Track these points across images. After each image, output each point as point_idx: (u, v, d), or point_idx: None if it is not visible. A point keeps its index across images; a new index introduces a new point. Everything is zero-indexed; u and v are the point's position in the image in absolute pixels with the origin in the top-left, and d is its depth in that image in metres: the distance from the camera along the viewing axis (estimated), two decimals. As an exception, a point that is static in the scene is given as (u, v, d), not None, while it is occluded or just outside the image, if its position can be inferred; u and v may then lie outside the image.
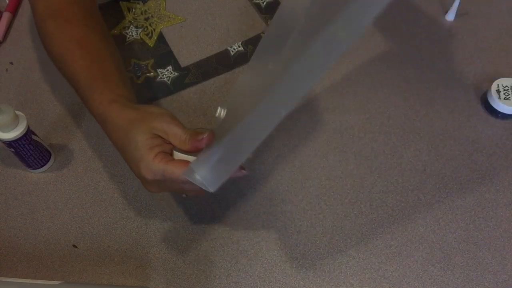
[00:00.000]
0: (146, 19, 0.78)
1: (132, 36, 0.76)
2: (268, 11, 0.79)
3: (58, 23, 0.59)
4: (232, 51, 0.75)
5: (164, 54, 0.74)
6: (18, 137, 0.58)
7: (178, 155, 0.50)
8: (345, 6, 0.41)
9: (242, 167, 0.51)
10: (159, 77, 0.72)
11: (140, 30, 0.77)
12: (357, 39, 0.43)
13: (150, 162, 0.48)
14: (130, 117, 0.51)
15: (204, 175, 0.46)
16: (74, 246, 0.60)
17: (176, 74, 0.73)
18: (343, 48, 0.42)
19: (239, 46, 0.75)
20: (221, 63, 0.74)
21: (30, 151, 0.61)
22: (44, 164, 0.64)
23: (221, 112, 0.55)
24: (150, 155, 0.48)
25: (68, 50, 0.58)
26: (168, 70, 0.73)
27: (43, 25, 0.60)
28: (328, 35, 0.42)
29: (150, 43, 0.76)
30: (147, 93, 0.71)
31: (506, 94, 0.67)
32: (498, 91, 0.67)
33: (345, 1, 0.42)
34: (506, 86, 0.67)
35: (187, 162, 0.48)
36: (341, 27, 0.41)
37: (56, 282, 0.54)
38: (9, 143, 0.59)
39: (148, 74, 0.73)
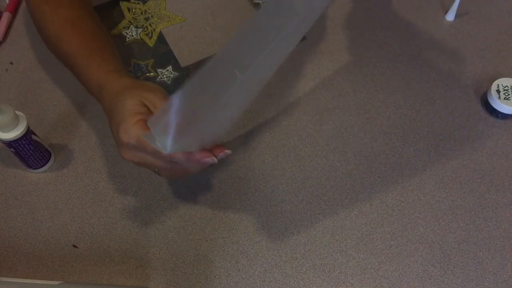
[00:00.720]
0: (146, 19, 0.78)
1: (132, 36, 0.76)
2: (268, 11, 0.79)
3: (53, 6, 0.63)
4: (232, 51, 0.75)
5: (164, 54, 0.74)
6: (18, 137, 0.58)
7: None
8: None
9: (222, 147, 0.52)
10: (159, 77, 0.72)
11: (140, 30, 0.77)
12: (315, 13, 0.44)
13: (129, 126, 0.49)
14: (125, 84, 0.54)
15: (158, 133, 0.46)
16: (74, 246, 0.60)
17: (176, 74, 0.73)
18: (293, 10, 0.44)
19: (239, 46, 0.75)
20: (221, 63, 0.73)
21: (30, 151, 0.61)
22: (44, 164, 0.64)
23: None
24: (132, 119, 0.49)
25: (64, 29, 0.61)
26: (168, 70, 0.73)
27: (38, 10, 0.63)
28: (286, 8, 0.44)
29: (150, 43, 0.76)
30: (147, 93, 0.71)
31: (506, 94, 0.67)
32: (498, 91, 0.67)
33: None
34: (506, 86, 0.67)
35: None
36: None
37: (56, 282, 0.54)
38: (9, 143, 0.59)
39: (148, 74, 0.73)
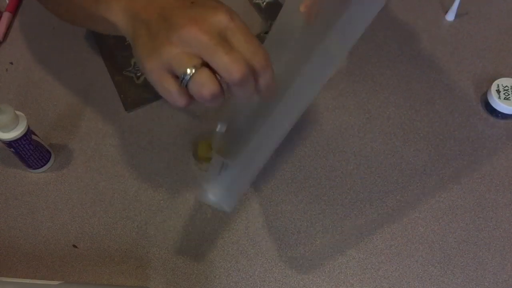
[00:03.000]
0: (146, 19, 0.78)
1: (132, 36, 0.76)
2: (268, 12, 0.79)
3: None
4: (232, 51, 0.75)
5: (164, 54, 0.74)
6: (18, 137, 0.58)
7: None
8: (336, 23, 0.44)
9: None
10: (159, 77, 0.72)
11: (140, 30, 0.77)
12: (346, 51, 0.48)
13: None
14: None
15: (220, 196, 0.48)
16: (74, 246, 0.60)
17: (176, 74, 0.73)
18: (336, 62, 0.47)
19: (239, 46, 0.75)
20: (221, 63, 0.73)
21: (30, 151, 0.61)
22: (44, 164, 0.64)
23: (222, 127, 0.55)
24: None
25: None
26: (168, 70, 0.73)
27: None
28: (322, 52, 0.45)
29: (150, 43, 0.76)
30: (147, 93, 0.71)
31: (506, 94, 0.67)
32: (498, 91, 0.67)
33: (337, 14, 0.45)
34: (506, 86, 0.67)
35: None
36: (334, 42, 0.45)
37: (56, 282, 0.54)
38: (9, 143, 0.59)
39: (148, 74, 0.73)
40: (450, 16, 0.78)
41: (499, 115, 0.68)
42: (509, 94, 0.67)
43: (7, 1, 0.80)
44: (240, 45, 0.42)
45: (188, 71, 0.42)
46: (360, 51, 0.75)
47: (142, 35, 0.45)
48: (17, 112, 0.58)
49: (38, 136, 0.62)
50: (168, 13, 0.43)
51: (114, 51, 0.75)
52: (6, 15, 0.79)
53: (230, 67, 0.41)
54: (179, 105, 0.44)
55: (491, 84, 0.68)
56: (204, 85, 0.41)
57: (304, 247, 0.59)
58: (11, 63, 0.75)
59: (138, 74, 0.73)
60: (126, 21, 0.47)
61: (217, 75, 0.43)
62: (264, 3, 0.80)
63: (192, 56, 0.42)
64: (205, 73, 0.42)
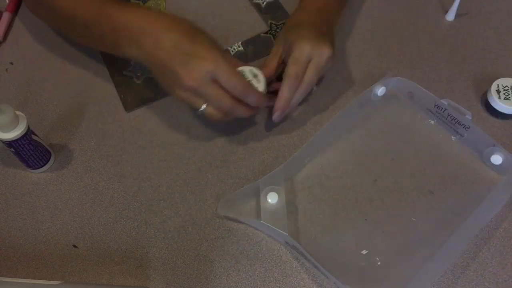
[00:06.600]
0: (146, 19, 0.78)
1: (132, 36, 0.76)
2: (268, 11, 0.79)
3: None
4: (232, 51, 0.75)
5: (164, 54, 0.74)
6: (18, 137, 0.58)
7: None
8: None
9: None
10: (159, 77, 0.72)
11: (140, 30, 0.77)
12: None
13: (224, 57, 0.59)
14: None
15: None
16: (74, 246, 0.60)
17: (176, 74, 0.73)
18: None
19: (239, 46, 0.75)
20: (221, 63, 0.73)
21: (30, 151, 0.61)
22: (44, 164, 0.64)
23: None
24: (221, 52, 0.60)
25: None
26: (168, 70, 0.73)
27: None
28: None
29: (150, 43, 0.76)
30: (147, 93, 0.71)
31: (506, 94, 0.67)
32: (498, 91, 0.67)
33: None
34: (506, 86, 0.67)
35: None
36: None
37: (56, 282, 0.54)
38: (9, 143, 0.59)
39: (148, 74, 0.73)
40: (450, 16, 0.78)
41: (499, 115, 0.67)
42: (509, 94, 0.67)
43: (7, 1, 0.80)
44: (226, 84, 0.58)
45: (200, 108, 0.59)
46: (360, 51, 0.75)
47: (158, 76, 0.61)
48: (17, 112, 0.58)
49: (38, 136, 0.62)
50: (168, 64, 0.58)
51: (114, 51, 0.75)
52: (6, 15, 0.79)
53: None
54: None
55: (491, 84, 0.68)
56: (213, 117, 0.61)
57: (304, 247, 0.59)
58: (11, 63, 0.75)
59: (138, 74, 0.73)
60: (142, 60, 0.62)
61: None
62: (264, 3, 0.80)
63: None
64: (213, 112, 0.60)
